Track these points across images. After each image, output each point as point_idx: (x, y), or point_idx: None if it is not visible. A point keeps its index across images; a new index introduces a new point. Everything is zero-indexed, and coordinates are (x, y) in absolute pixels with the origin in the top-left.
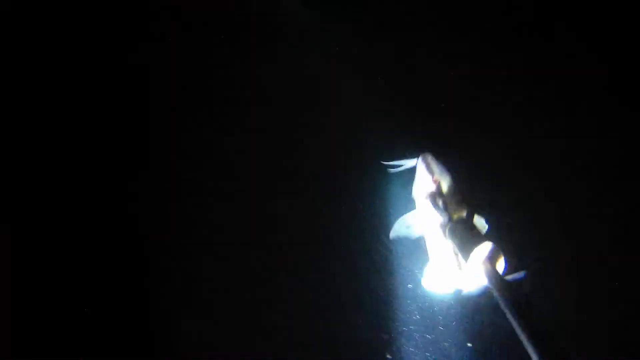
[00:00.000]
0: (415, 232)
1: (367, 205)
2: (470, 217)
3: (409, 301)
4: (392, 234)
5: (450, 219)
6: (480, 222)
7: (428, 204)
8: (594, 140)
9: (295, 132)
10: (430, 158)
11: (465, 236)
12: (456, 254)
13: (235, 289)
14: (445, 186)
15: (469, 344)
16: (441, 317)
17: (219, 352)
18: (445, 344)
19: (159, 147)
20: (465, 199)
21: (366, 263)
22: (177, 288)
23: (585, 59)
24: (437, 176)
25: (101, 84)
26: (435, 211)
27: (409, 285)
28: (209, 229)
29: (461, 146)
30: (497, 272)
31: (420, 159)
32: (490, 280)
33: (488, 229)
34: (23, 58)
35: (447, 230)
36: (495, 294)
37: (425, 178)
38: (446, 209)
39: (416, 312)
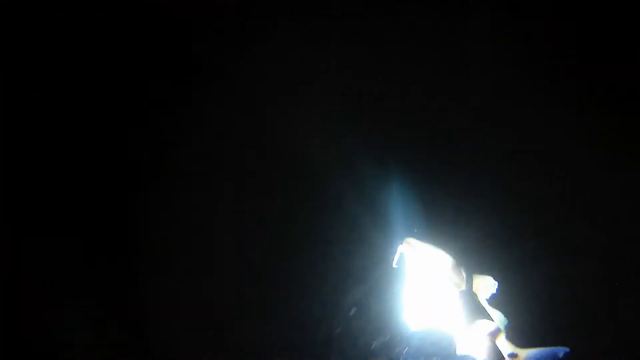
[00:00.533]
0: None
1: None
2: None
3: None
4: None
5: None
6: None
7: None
8: None
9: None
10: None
11: (469, 307)
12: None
13: (235, 289)
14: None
15: None
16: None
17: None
18: None
19: (157, 145)
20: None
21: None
22: (173, 288)
23: None
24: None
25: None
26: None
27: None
28: (206, 230)
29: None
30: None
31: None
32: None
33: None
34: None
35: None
36: None
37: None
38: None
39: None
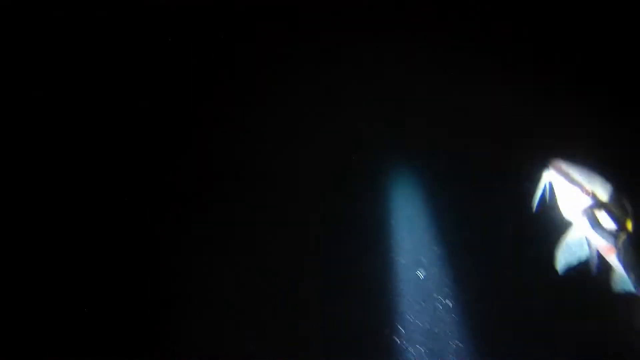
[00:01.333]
0: (583, 255)
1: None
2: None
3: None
4: (561, 265)
5: (621, 234)
6: None
7: (589, 221)
8: None
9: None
10: (565, 166)
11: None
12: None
13: (241, 287)
14: (603, 194)
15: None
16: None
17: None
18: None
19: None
20: (628, 205)
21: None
22: (178, 287)
23: None
24: (587, 185)
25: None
26: (601, 230)
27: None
28: (212, 228)
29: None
30: None
31: (552, 170)
32: None
33: None
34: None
35: (621, 248)
36: None
37: (572, 191)
38: (617, 220)
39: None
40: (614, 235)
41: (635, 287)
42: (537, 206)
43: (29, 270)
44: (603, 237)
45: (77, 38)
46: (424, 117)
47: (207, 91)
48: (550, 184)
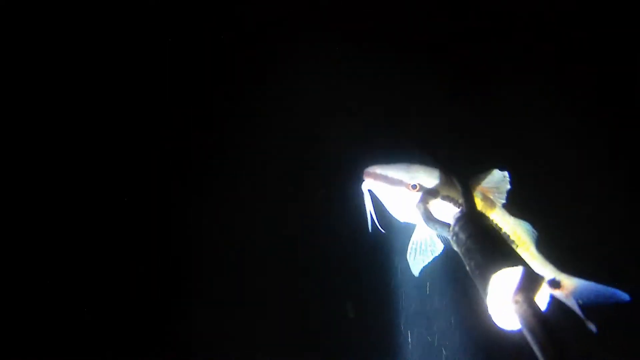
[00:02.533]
0: (434, 250)
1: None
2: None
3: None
4: (415, 269)
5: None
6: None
7: (422, 215)
8: None
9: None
10: (379, 169)
11: (483, 248)
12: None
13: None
14: (430, 183)
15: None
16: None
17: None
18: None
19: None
20: (457, 183)
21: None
22: (180, 286)
23: None
24: (410, 180)
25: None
26: (433, 222)
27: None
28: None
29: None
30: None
31: (368, 179)
32: (526, 325)
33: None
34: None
35: (453, 242)
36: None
37: (395, 192)
38: (453, 202)
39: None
40: (450, 222)
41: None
42: (370, 222)
43: (29, 270)
44: (437, 230)
45: (77, 38)
46: None
47: (207, 91)
48: (371, 193)
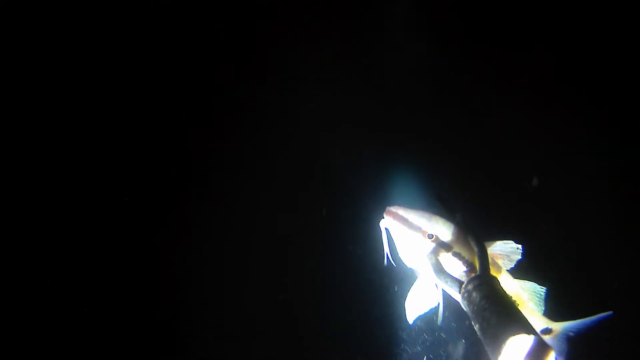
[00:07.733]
0: (431, 304)
1: None
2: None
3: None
4: (410, 317)
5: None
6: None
7: (433, 266)
8: None
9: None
10: (401, 211)
11: (498, 312)
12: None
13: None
14: (446, 236)
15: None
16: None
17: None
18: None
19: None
20: (474, 244)
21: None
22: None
23: None
24: (428, 228)
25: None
26: (444, 276)
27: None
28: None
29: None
30: None
31: (388, 217)
32: None
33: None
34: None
35: (464, 302)
36: None
37: (411, 236)
38: (464, 262)
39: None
40: (460, 280)
41: (480, 334)
42: (386, 259)
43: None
44: (447, 283)
45: (77, 38)
46: None
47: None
48: (388, 232)
